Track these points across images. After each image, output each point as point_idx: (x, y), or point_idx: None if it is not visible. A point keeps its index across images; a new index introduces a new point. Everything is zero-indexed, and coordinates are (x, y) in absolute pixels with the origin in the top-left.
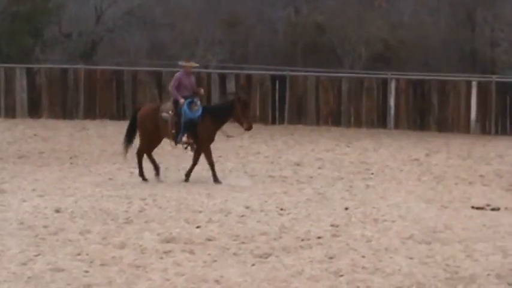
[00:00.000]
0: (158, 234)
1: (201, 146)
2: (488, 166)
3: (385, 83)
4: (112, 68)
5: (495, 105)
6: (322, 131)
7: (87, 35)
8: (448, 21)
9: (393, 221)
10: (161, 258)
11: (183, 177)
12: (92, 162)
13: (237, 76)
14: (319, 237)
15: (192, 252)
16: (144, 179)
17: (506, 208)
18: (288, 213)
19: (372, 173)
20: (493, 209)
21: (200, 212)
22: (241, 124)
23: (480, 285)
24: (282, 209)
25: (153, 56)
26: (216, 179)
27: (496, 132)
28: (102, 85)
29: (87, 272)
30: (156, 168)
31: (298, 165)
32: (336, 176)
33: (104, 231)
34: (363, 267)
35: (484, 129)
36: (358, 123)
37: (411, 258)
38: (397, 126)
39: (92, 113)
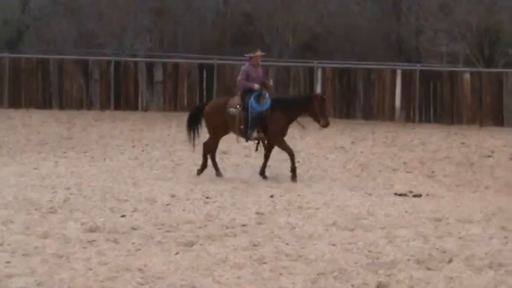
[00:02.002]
0: (82, 224)
1: (273, 139)
2: (412, 153)
3: (311, 71)
4: (37, 57)
5: (419, 93)
6: None
7: (13, 23)
8: (374, 10)
9: (317, 209)
10: (85, 247)
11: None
12: (17, 151)
13: (164, 65)
14: (244, 225)
15: (116, 241)
16: (220, 174)
17: (428, 194)
18: (214, 202)
19: (298, 161)
20: (415, 196)
21: (125, 201)
22: (318, 121)
23: (400, 270)
24: (207, 197)
25: (81, 45)
26: (294, 174)
27: (420, 120)
28: (28, 74)
29: (8, 262)
30: (203, 166)
31: (225, 153)
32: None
33: (27, 221)
34: (287, 255)
35: (408, 117)
36: None
37: (334, 245)
38: None
39: (17, 102)
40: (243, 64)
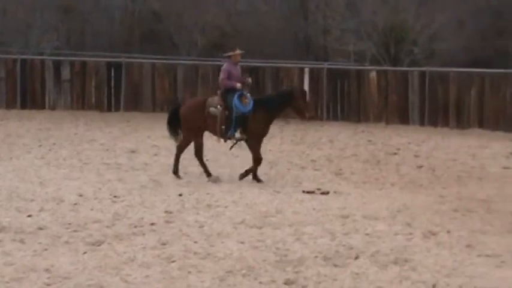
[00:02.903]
0: None
1: (251, 141)
2: (320, 151)
3: (219, 70)
4: None
5: (326, 92)
6: (158, 117)
7: None
8: (282, 9)
9: (226, 207)
10: None
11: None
12: None
13: (71, 63)
14: (152, 224)
15: (22, 241)
16: (178, 176)
17: (335, 192)
18: (122, 201)
19: (207, 159)
20: (322, 193)
21: (32, 200)
22: (303, 113)
23: (308, 267)
24: (115, 196)
25: None
26: (255, 177)
27: (328, 118)
28: None
29: None
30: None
31: (133, 152)
32: (171, 163)
33: None
34: (195, 253)
35: (316, 115)
36: None
37: (242, 243)
38: None
39: None
40: (151, 63)
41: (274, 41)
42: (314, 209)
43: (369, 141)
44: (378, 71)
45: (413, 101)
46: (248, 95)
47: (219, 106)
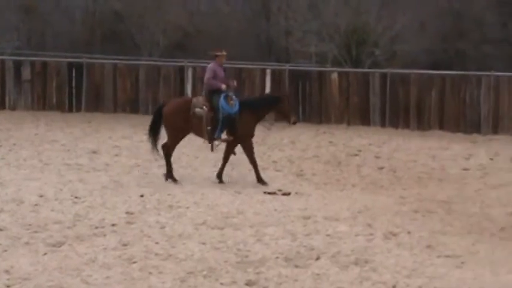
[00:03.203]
0: None
1: (242, 143)
2: (281, 152)
3: (182, 71)
4: None
5: (288, 93)
6: (119, 118)
7: None
8: (244, 10)
9: (187, 208)
10: None
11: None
12: None
13: (32, 63)
14: (113, 225)
15: None
16: (175, 179)
17: (296, 193)
18: (83, 201)
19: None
20: (284, 194)
21: None
22: (288, 118)
23: (269, 268)
24: (76, 197)
25: None
26: (260, 179)
27: None
28: None
29: None
30: (169, 169)
31: (94, 152)
32: (132, 164)
33: None
34: (156, 254)
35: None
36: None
37: (204, 244)
38: None
39: None
40: (113, 63)
41: (236, 42)
42: (275, 210)
43: (330, 142)
44: (339, 73)
45: (375, 102)
46: (234, 96)
47: (204, 107)
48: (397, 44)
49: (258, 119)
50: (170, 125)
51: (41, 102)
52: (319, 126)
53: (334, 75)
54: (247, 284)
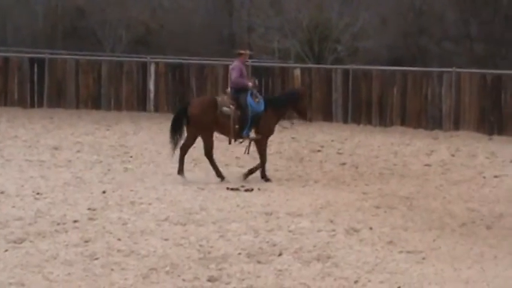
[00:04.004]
0: None
1: (262, 141)
2: (244, 148)
3: (144, 66)
4: None
5: None
6: (82, 114)
7: None
8: (207, 6)
9: (150, 204)
10: None
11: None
12: None
13: None
14: (75, 221)
15: None
16: (223, 177)
17: (259, 189)
18: (45, 198)
19: (131, 156)
20: (246, 190)
21: None
22: (305, 115)
23: (232, 264)
24: (38, 194)
25: None
26: (264, 176)
27: None
28: None
29: None
30: (217, 171)
31: (56, 149)
32: (94, 160)
33: None
34: (118, 250)
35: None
36: (118, 107)
37: (166, 240)
38: (156, 109)
39: None
40: (75, 59)
41: (199, 38)
42: (238, 206)
43: (293, 138)
44: (302, 69)
45: (337, 98)
46: (258, 94)
47: (231, 106)
48: (359, 40)
49: (280, 117)
50: (199, 125)
51: (2, 98)
52: (282, 122)
53: (297, 71)
54: (209, 280)
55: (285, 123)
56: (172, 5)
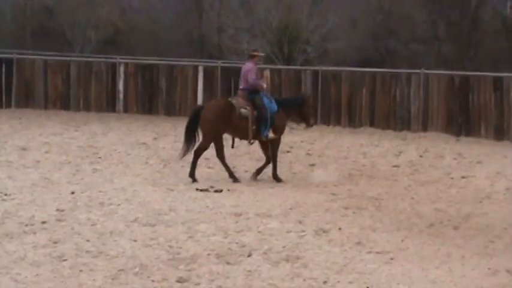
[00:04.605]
0: None
1: (276, 140)
2: (213, 149)
3: (114, 67)
4: None
5: (220, 90)
6: (50, 115)
7: None
8: (176, 6)
9: (119, 205)
10: None
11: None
12: None
13: None
14: (43, 222)
15: None
16: (236, 179)
17: (228, 190)
18: (13, 199)
19: (100, 157)
20: (216, 191)
21: None
22: (308, 120)
23: (201, 265)
24: (6, 194)
25: None
26: (275, 176)
27: None
28: None
29: None
30: (230, 171)
31: (24, 149)
32: (63, 160)
33: None
34: (87, 251)
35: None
36: (87, 107)
37: (135, 241)
38: (126, 110)
39: None
40: (43, 59)
41: (168, 39)
42: (207, 206)
43: None
44: (271, 70)
45: None
46: (269, 95)
47: (247, 107)
48: (328, 42)
49: (288, 118)
50: (212, 128)
51: None
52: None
53: (267, 72)
54: (178, 281)
55: (290, 123)
56: (142, 6)
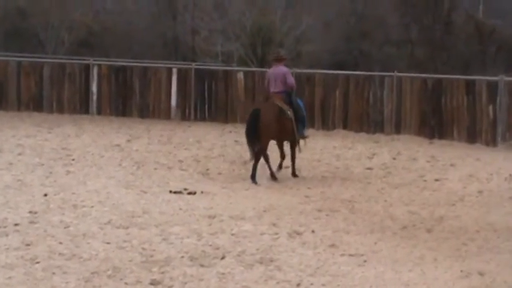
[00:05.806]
0: None
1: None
2: (187, 151)
3: (87, 68)
4: None
5: (194, 92)
6: (23, 116)
7: None
8: (150, 8)
9: (92, 207)
10: None
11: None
12: None
13: None
14: (16, 224)
15: None
16: (275, 178)
17: (202, 192)
18: None
19: (73, 159)
20: (189, 193)
21: None
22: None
23: (174, 267)
24: None
25: None
26: (294, 173)
27: (195, 118)
28: None
29: None
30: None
31: None
32: (36, 162)
33: None
34: (60, 254)
35: (184, 115)
36: (60, 109)
37: (108, 243)
38: (99, 112)
39: None
40: (16, 60)
41: (142, 41)
42: (181, 209)
43: (236, 141)
44: (245, 72)
45: None
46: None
47: (289, 108)
48: (302, 44)
49: None
50: (270, 131)
51: None
52: (225, 126)
53: (240, 75)
54: (151, 284)
55: None
56: (116, 7)
